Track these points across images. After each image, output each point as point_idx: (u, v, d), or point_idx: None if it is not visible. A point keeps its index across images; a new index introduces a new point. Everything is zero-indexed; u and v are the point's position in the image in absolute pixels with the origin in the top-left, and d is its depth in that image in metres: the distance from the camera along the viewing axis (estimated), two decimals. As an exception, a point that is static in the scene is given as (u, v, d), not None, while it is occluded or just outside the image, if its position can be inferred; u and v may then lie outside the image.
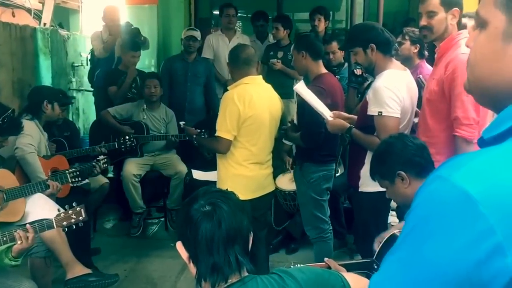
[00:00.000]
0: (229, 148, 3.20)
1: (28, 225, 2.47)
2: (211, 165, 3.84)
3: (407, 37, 3.78)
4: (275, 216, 4.20)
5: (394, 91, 2.70)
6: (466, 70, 0.94)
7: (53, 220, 2.48)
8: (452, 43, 2.63)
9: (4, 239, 2.35)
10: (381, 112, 2.69)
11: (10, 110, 3.30)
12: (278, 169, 4.03)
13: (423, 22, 2.72)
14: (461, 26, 2.70)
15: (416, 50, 3.82)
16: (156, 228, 5.00)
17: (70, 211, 2.52)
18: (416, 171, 2.16)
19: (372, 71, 2.96)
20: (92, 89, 5.80)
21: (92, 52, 5.63)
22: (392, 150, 2.23)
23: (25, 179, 3.43)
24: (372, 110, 2.74)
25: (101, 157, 3.93)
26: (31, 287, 2.56)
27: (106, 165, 3.99)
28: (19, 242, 2.37)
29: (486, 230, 0.71)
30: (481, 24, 0.89)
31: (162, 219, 5.06)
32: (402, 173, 2.17)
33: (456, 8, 2.63)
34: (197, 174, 4.20)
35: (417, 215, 0.80)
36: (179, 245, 1.46)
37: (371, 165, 2.39)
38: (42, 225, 2.45)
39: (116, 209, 5.20)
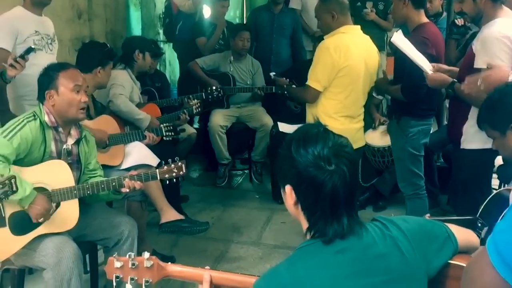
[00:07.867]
0: (316, 98, 3.15)
1: (135, 173, 2.57)
2: (296, 118, 3.79)
3: None
4: (362, 173, 4.09)
5: (506, 42, 2.48)
6: None
7: (157, 172, 2.56)
8: None
9: (114, 183, 2.48)
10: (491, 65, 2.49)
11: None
12: (367, 125, 3.90)
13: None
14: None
15: None
16: (241, 180, 5.07)
17: (173, 165, 2.56)
18: None
19: (479, 21, 2.73)
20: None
21: (167, 5, 5.51)
22: (506, 100, 2.07)
23: (122, 124, 3.53)
24: (480, 63, 2.53)
25: (195, 101, 4.04)
26: (130, 223, 2.70)
27: (199, 109, 4.14)
28: (127, 189, 2.50)
29: None
30: None
31: (246, 171, 5.12)
32: None
33: None
34: (284, 127, 4.13)
35: None
36: (288, 189, 1.37)
37: (480, 113, 2.25)
38: (147, 175, 2.54)
39: (202, 159, 5.30)
